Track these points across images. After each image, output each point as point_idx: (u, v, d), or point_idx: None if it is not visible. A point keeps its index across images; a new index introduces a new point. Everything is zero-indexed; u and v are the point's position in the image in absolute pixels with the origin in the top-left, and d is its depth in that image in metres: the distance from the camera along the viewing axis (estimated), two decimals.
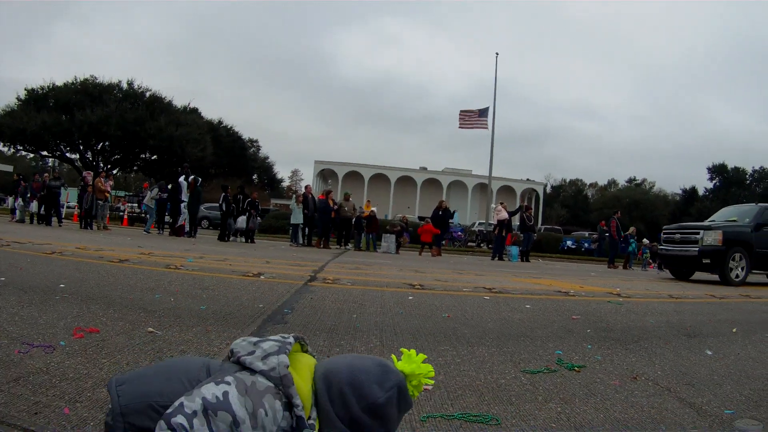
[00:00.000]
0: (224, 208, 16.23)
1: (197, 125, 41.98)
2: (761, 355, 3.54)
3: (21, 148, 39.08)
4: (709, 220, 12.97)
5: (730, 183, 66.97)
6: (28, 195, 18.84)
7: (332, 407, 1.26)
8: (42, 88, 37.44)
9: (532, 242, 18.74)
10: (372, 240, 17.74)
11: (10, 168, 38.56)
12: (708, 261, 10.81)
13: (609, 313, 4.92)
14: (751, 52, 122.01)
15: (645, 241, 25.33)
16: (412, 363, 1.37)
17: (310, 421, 1.24)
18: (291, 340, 1.32)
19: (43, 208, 17.91)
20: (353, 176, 67.82)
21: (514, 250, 17.78)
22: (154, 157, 40.91)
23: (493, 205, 27.09)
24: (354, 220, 17.62)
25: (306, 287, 5.14)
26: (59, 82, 38.10)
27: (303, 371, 1.29)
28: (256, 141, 66.64)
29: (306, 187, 18.41)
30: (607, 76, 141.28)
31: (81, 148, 38.65)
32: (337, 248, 16.63)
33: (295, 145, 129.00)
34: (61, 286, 4.05)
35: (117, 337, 2.71)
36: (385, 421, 1.28)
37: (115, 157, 40.32)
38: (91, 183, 16.64)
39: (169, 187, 16.61)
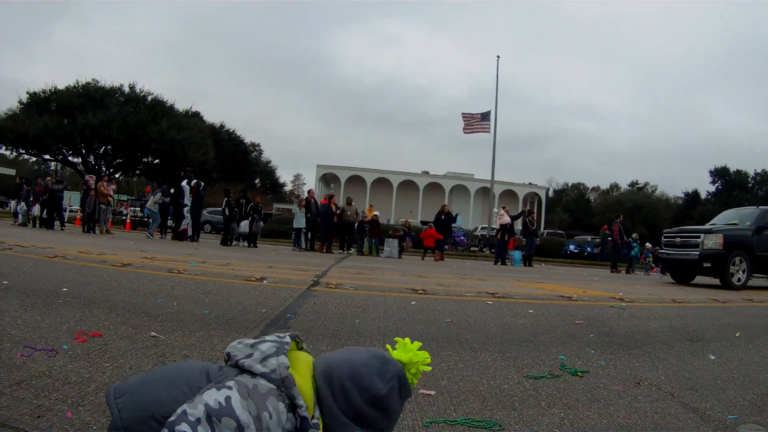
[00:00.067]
0: (227, 213, 16.23)
1: (199, 129, 42.15)
2: (765, 360, 3.52)
3: (23, 151, 39.24)
4: (709, 223, 12.94)
5: (733, 186, 66.87)
6: (31, 198, 18.90)
7: (335, 403, 1.26)
8: (44, 92, 37.68)
9: (535, 247, 18.74)
10: (375, 244, 17.73)
11: (12, 171, 38.79)
12: (709, 265, 10.78)
13: (612, 317, 4.91)
14: (751, 52, 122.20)
15: (648, 245, 25.29)
16: (408, 351, 1.37)
17: (314, 421, 1.23)
18: (287, 339, 1.31)
19: (45, 212, 17.97)
20: (355, 180, 67.80)
21: (517, 254, 17.75)
22: (156, 161, 41.08)
23: (495, 210, 27.06)
24: (356, 224, 17.64)
25: (309, 292, 5.13)
26: (61, 86, 38.46)
27: (302, 369, 1.29)
28: (258, 145, 66.88)
29: (309, 191, 18.45)
30: (607, 76, 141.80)
31: (83, 151, 38.83)
32: (339, 253, 16.62)
33: (294, 146, 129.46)
34: (64, 289, 4.05)
35: (120, 341, 2.72)
36: (389, 412, 1.29)
37: (118, 160, 40.48)
38: (93, 187, 16.66)
39: (172, 191, 16.63)
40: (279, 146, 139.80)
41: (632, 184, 77.95)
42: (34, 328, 2.81)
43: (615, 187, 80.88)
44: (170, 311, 3.61)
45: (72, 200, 28.56)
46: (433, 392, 2.32)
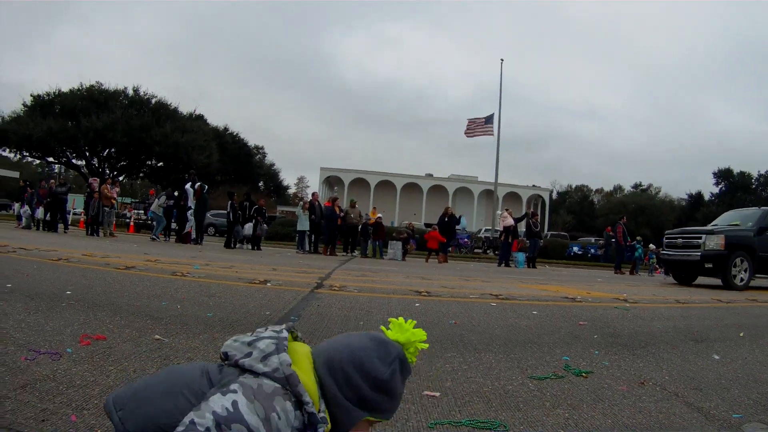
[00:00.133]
0: (231, 216, 16.26)
1: (203, 132, 42.28)
2: None
3: (27, 154, 39.46)
4: (711, 224, 12.90)
5: (736, 187, 66.77)
6: (35, 201, 18.96)
7: (340, 392, 1.25)
8: (48, 95, 37.88)
9: (539, 248, 18.72)
10: (378, 247, 17.74)
11: (16, 174, 38.95)
12: (710, 265, 10.74)
13: (616, 318, 4.90)
14: (751, 52, 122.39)
15: (651, 246, 25.22)
16: (405, 331, 1.35)
17: (321, 414, 1.22)
18: (285, 334, 1.29)
19: (49, 215, 18.03)
20: (359, 183, 67.92)
21: (521, 256, 17.74)
22: (160, 163, 41.19)
23: (498, 212, 27.04)
24: (360, 227, 17.65)
25: (313, 294, 5.13)
26: (65, 89, 38.64)
27: (303, 363, 1.27)
28: (262, 148, 67.24)
29: (312, 194, 18.47)
30: (607, 76, 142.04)
31: (87, 154, 38.98)
32: (343, 255, 16.64)
33: (294, 146, 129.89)
34: (68, 292, 4.06)
35: (124, 344, 2.72)
36: (393, 394, 1.28)
37: (121, 163, 40.61)
38: (97, 189, 16.71)
39: (176, 194, 16.68)
40: (279, 146, 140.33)
41: (636, 186, 77.90)
42: (38, 331, 2.82)
43: (618, 188, 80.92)
44: (174, 314, 3.61)
45: (76, 203, 28.69)
46: (437, 394, 2.32)
